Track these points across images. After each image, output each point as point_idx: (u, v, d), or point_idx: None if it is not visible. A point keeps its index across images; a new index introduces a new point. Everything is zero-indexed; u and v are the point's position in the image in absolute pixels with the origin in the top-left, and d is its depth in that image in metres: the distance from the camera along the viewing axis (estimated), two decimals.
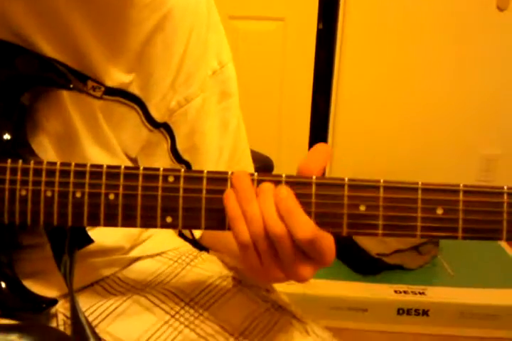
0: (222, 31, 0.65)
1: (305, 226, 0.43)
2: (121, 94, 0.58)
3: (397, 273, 1.62)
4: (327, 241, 0.45)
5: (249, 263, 0.46)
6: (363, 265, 1.62)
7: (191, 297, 0.60)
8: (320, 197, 0.45)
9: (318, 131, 2.08)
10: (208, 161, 0.64)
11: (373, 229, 0.45)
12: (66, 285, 0.53)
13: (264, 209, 0.44)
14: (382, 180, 0.45)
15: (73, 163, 0.49)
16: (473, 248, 1.73)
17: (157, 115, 0.61)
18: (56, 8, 0.53)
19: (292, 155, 2.00)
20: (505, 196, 0.44)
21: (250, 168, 0.70)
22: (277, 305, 0.61)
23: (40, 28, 0.54)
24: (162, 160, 0.63)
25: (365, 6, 1.90)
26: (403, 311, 1.50)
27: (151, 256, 0.68)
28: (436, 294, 1.52)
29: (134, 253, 0.66)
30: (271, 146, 1.99)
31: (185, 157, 0.64)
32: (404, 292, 1.53)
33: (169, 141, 0.63)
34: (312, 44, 1.94)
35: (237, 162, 0.67)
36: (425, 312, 1.50)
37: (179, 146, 0.63)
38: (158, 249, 0.68)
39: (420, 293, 1.52)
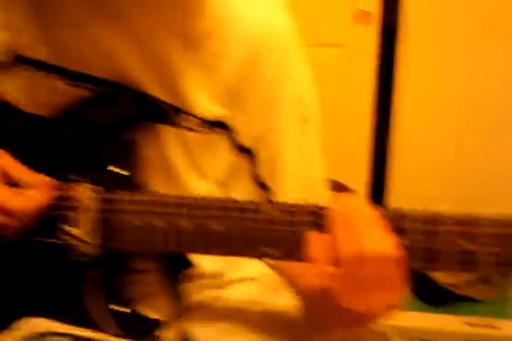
0: (306, 65, 0.69)
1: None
2: (213, 125, 0.62)
3: (467, 305, 1.64)
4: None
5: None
6: (432, 295, 1.65)
7: (286, 322, 0.62)
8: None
9: (378, 154, 2.13)
10: (287, 187, 0.67)
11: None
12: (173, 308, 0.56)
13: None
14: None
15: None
16: None
17: (244, 142, 0.65)
18: (160, 50, 0.58)
19: (351, 177, 2.03)
20: None
21: (326, 193, 0.72)
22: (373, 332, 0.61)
23: (145, 68, 0.59)
24: (246, 186, 0.67)
25: (425, 29, 1.93)
26: None
27: (246, 281, 0.70)
28: (508, 328, 1.49)
29: (228, 277, 0.69)
30: (329, 163, 2.03)
31: (267, 182, 0.66)
32: (475, 324, 1.51)
33: (252, 166, 0.66)
34: (371, 69, 1.99)
35: (315, 192, 0.69)
36: None
37: (261, 172, 0.66)
38: (252, 274, 0.71)
39: (491, 327, 1.50)
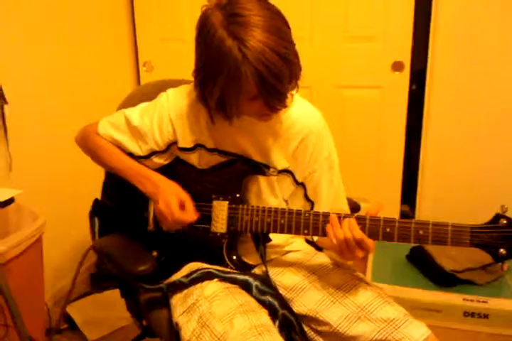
0: (330, 135, 1.24)
1: (360, 236, 1.01)
2: (284, 172, 1.21)
3: (467, 287, 2.06)
4: (369, 242, 1.02)
5: (340, 251, 1.05)
6: (439, 278, 2.10)
7: (316, 270, 1.21)
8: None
9: (410, 177, 2.56)
10: (322, 202, 1.25)
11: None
12: (261, 259, 1.19)
13: (345, 231, 1.02)
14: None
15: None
16: None
17: (299, 179, 1.23)
18: (258, 136, 1.17)
19: (388, 194, 2.54)
20: None
21: (345, 207, 1.29)
22: (358, 277, 1.18)
23: (250, 145, 1.18)
24: (299, 200, 1.26)
25: (449, 75, 2.35)
26: (468, 314, 1.97)
27: (295, 251, 1.31)
28: (497, 303, 1.96)
29: (286, 248, 1.30)
30: (368, 188, 2.53)
31: (311, 198, 1.25)
32: (471, 300, 1.99)
33: (303, 191, 1.25)
34: (404, 106, 2.45)
35: (339, 204, 1.26)
36: (486, 316, 1.95)
37: (308, 193, 1.25)
38: (299, 248, 1.32)
39: (483, 302, 1.98)
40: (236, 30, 0.93)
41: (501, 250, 0.94)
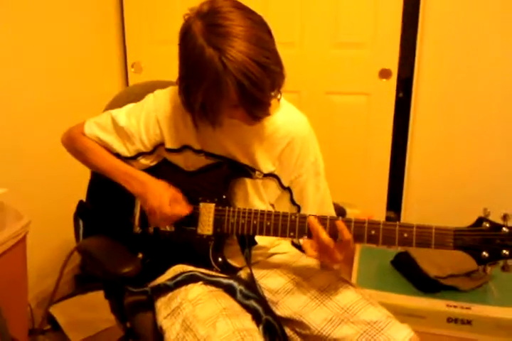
0: (316, 140, 1.25)
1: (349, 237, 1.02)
2: (269, 175, 1.21)
3: (451, 293, 2.08)
4: (351, 245, 1.03)
5: (321, 254, 1.05)
6: (423, 284, 2.11)
7: (301, 272, 1.21)
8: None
9: (396, 183, 2.57)
10: (309, 207, 1.25)
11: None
12: (246, 262, 1.18)
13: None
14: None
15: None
16: None
17: (285, 183, 1.24)
18: (244, 139, 1.18)
19: (373, 200, 2.55)
20: None
21: (332, 212, 1.29)
22: (343, 279, 1.18)
23: (236, 148, 1.18)
24: (286, 205, 1.26)
25: (435, 83, 2.38)
26: (452, 320, 1.98)
27: (281, 253, 1.31)
28: (480, 309, 1.98)
29: (271, 250, 1.30)
30: (354, 194, 2.54)
31: (298, 203, 1.26)
32: (454, 306, 2.00)
33: (289, 195, 1.26)
34: (391, 113, 2.47)
35: (326, 208, 1.27)
36: (469, 322, 1.96)
37: (294, 198, 1.26)
38: (284, 250, 1.32)
39: (467, 308, 1.99)
40: (216, 40, 0.93)
41: (484, 253, 0.96)
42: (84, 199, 1.39)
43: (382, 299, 2.01)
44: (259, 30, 0.97)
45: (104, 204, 1.33)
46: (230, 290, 1.13)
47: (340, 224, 1.03)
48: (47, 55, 2.18)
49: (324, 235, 1.03)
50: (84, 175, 1.38)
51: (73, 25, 2.34)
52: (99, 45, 2.58)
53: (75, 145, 1.28)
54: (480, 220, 0.97)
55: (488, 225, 0.96)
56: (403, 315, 1.99)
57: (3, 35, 1.94)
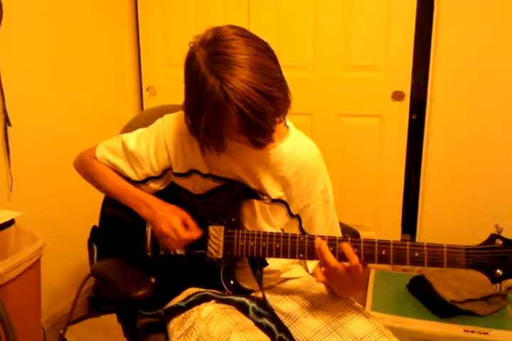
0: (325, 168, 1.24)
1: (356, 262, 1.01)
2: (277, 201, 1.21)
3: (468, 317, 2.04)
4: (360, 270, 1.02)
5: (330, 278, 1.04)
6: (440, 309, 2.08)
7: (314, 299, 1.19)
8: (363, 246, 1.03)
9: (410, 205, 2.56)
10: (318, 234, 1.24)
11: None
12: (258, 285, 1.17)
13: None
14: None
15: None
16: None
17: (293, 211, 1.23)
18: (250, 165, 1.17)
19: (388, 223, 2.53)
20: None
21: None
22: (357, 308, 1.16)
23: (244, 173, 1.18)
24: (295, 231, 1.24)
25: (448, 106, 2.39)
26: None
27: (294, 278, 1.29)
28: (498, 334, 1.93)
29: (284, 275, 1.29)
30: (369, 217, 2.52)
31: (306, 231, 1.25)
32: (472, 331, 1.96)
33: (299, 223, 1.25)
34: (404, 135, 2.47)
35: (334, 233, 1.25)
36: None
37: (303, 226, 1.25)
38: (298, 275, 1.30)
39: (484, 333, 1.95)
40: (218, 68, 0.94)
41: (498, 271, 0.93)
42: (97, 224, 1.39)
43: (398, 324, 2.03)
44: (263, 58, 0.97)
45: (117, 228, 1.33)
46: (242, 308, 1.13)
47: (347, 248, 1.02)
48: (63, 79, 2.23)
49: (330, 256, 1.02)
50: (99, 197, 1.39)
51: (91, 50, 2.40)
52: (115, 69, 2.63)
53: (86, 168, 1.29)
54: (493, 237, 0.95)
55: (500, 242, 0.94)
56: (420, 340, 1.97)
57: (21, 62, 1.98)
